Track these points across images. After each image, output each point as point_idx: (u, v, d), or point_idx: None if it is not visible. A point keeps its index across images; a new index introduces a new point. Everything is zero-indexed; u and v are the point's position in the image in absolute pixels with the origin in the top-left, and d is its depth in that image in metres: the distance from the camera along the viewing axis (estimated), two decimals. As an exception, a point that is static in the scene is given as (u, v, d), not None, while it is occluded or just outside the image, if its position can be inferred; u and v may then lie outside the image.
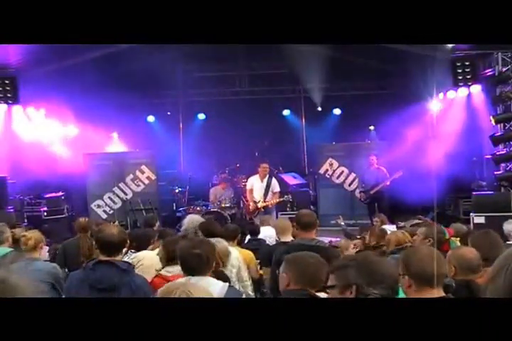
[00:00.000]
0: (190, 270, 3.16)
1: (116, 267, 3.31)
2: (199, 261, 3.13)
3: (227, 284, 3.13)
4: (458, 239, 5.16)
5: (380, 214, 7.85)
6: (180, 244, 3.32)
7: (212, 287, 2.98)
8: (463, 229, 6.15)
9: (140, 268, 4.26)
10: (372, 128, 13.80)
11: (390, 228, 6.27)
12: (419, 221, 6.25)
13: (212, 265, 3.27)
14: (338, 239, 7.43)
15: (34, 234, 4.55)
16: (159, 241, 4.80)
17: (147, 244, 5.02)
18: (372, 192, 10.49)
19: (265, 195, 9.78)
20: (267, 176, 9.90)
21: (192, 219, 5.32)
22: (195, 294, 2.06)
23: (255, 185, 9.91)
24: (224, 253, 4.20)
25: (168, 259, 3.89)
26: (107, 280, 3.28)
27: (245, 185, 13.00)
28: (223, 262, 4.15)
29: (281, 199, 10.01)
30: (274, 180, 9.95)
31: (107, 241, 3.41)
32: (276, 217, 9.28)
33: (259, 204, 9.70)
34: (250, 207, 9.87)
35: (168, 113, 14.33)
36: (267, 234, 6.20)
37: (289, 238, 4.85)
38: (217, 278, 3.27)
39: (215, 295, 2.95)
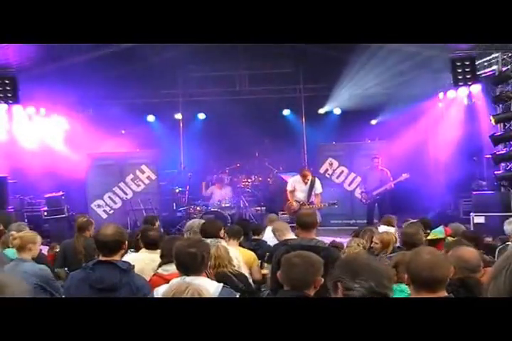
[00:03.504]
0: (184, 269, 3.13)
1: (116, 267, 3.32)
2: (194, 260, 3.10)
3: (222, 284, 3.12)
4: (453, 238, 5.14)
5: (388, 216, 7.49)
6: (176, 243, 3.31)
7: (207, 287, 2.97)
8: (461, 228, 6.14)
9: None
10: (372, 127, 13.75)
11: (386, 229, 6.22)
12: (413, 220, 6.23)
13: (207, 264, 3.25)
14: (339, 238, 7.42)
15: (23, 234, 4.47)
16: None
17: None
18: (375, 193, 10.46)
19: (308, 196, 9.52)
20: (311, 177, 9.66)
21: (192, 223, 5.35)
22: (206, 294, 2.07)
23: (298, 186, 9.60)
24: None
25: (162, 257, 3.93)
26: (107, 280, 3.28)
27: (245, 185, 13.02)
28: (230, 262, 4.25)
29: (328, 205, 9.70)
30: (317, 181, 9.67)
31: (102, 241, 3.43)
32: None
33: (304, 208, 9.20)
34: (292, 207, 9.48)
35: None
36: (271, 234, 6.18)
37: (290, 236, 4.86)
38: (220, 279, 3.28)
39: (210, 295, 2.95)
